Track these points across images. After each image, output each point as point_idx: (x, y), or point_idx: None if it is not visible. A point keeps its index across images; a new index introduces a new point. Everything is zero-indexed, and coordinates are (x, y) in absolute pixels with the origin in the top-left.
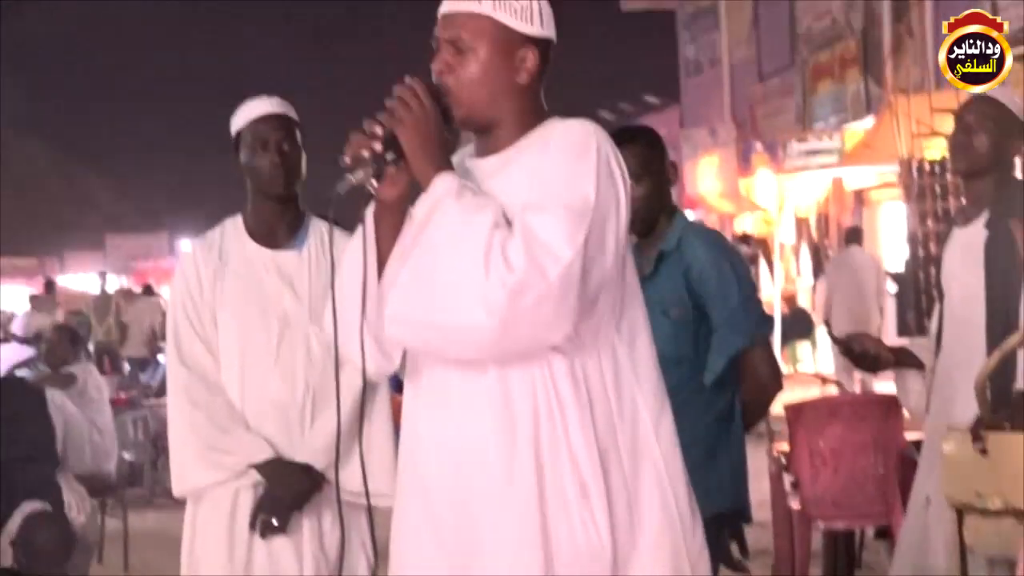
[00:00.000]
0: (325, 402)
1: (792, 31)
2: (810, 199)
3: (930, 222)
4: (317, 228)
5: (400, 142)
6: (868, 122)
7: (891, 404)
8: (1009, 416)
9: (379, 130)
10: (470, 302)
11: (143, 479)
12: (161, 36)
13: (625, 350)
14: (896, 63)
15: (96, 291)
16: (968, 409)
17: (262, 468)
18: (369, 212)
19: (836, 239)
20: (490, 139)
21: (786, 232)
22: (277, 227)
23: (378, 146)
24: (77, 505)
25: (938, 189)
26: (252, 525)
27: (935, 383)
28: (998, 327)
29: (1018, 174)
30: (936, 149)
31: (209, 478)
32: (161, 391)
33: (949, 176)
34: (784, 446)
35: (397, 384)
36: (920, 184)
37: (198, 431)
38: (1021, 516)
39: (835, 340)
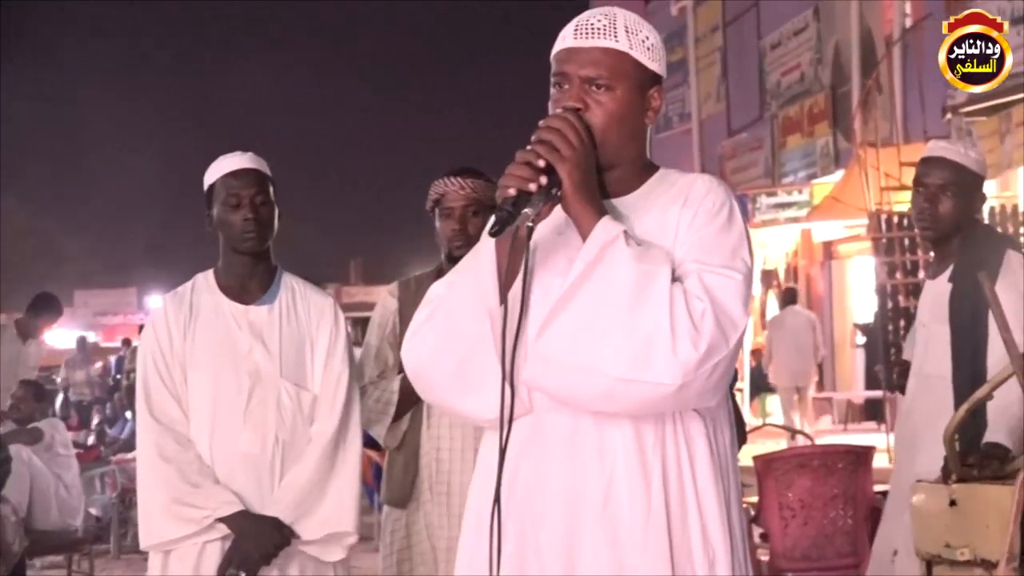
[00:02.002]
0: (295, 456)
1: (761, 86)
2: (779, 252)
3: (899, 274)
4: (288, 283)
5: (560, 177)
6: (837, 175)
7: (860, 455)
8: (978, 466)
9: (541, 163)
10: (656, 359)
11: (109, 535)
12: (132, 91)
13: (725, 416)
14: (865, 117)
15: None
16: (933, 460)
17: (230, 522)
18: (487, 241)
19: (805, 292)
20: (605, 181)
21: (755, 286)
22: (249, 282)
23: (544, 180)
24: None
25: (907, 242)
26: None
27: (899, 434)
28: (964, 379)
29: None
30: (904, 202)
31: (177, 532)
32: (129, 446)
33: (917, 229)
34: (753, 498)
35: (368, 440)
36: (889, 237)
37: (167, 485)
38: (990, 567)
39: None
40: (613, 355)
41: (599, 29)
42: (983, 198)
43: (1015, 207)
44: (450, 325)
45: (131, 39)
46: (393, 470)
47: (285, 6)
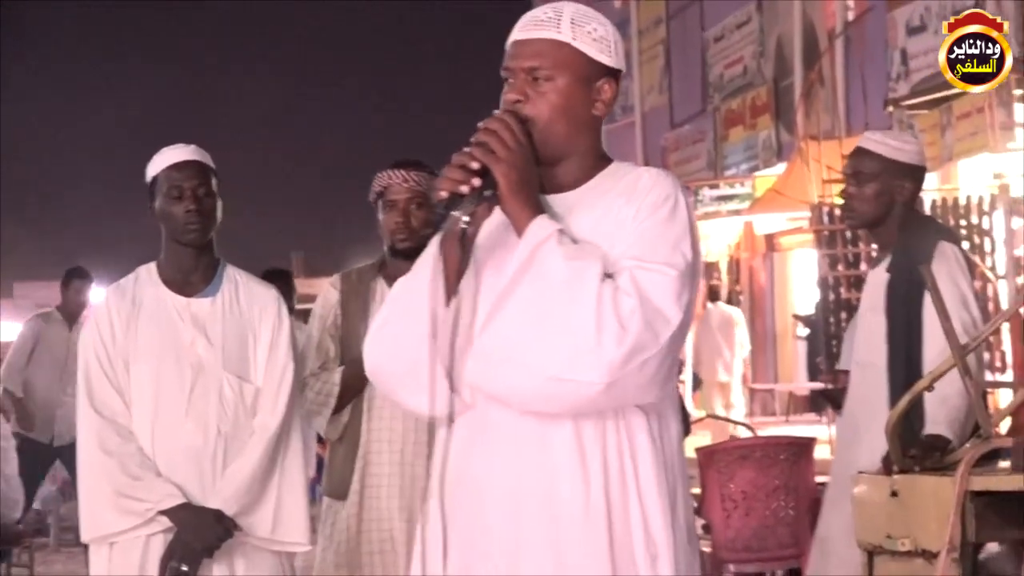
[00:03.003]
0: (237, 449)
1: (704, 78)
2: (722, 244)
3: (840, 267)
4: (231, 275)
5: (495, 178)
6: (779, 168)
7: (802, 447)
8: (919, 458)
9: (475, 165)
10: (581, 358)
11: (49, 528)
12: (73, 82)
13: (671, 411)
14: (807, 110)
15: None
16: (873, 450)
17: (172, 514)
18: (434, 242)
19: (747, 284)
20: (554, 174)
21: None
22: (191, 274)
23: (476, 182)
24: None
25: (848, 234)
26: (162, 572)
27: (839, 422)
28: (899, 369)
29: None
30: None
31: (119, 524)
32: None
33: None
34: (695, 490)
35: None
36: (831, 229)
37: (109, 478)
38: (931, 557)
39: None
40: (543, 354)
41: (543, 21)
42: (913, 188)
43: (956, 199)
44: (403, 326)
45: (69, 32)
46: (334, 462)
47: (226, 3)
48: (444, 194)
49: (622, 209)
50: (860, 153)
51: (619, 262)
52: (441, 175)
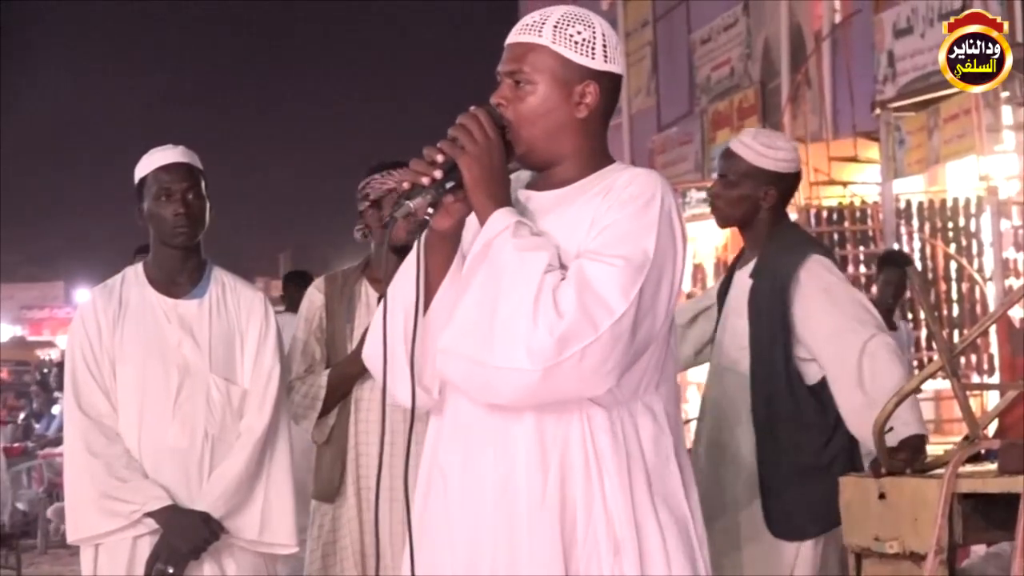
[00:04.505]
0: (224, 451)
1: (691, 80)
2: (708, 247)
3: None
4: (219, 277)
5: (461, 172)
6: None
7: None
8: (909, 460)
9: (440, 158)
10: (516, 346)
11: (36, 530)
12: (56, 85)
13: (663, 410)
14: (794, 112)
15: None
16: (739, 455)
17: (158, 516)
18: (421, 240)
19: None
20: (549, 174)
21: (685, 280)
22: (179, 276)
23: (438, 174)
24: None
25: (836, 236)
26: (148, 574)
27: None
28: (762, 375)
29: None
30: (833, 197)
31: (105, 526)
32: (56, 441)
33: (847, 223)
34: None
35: None
36: (818, 231)
37: (95, 479)
38: (919, 559)
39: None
40: (486, 344)
41: (528, 26)
42: (778, 195)
43: (943, 202)
44: (390, 322)
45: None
46: (321, 465)
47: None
48: (406, 185)
49: (599, 206)
50: (728, 154)
51: (578, 254)
52: (408, 168)
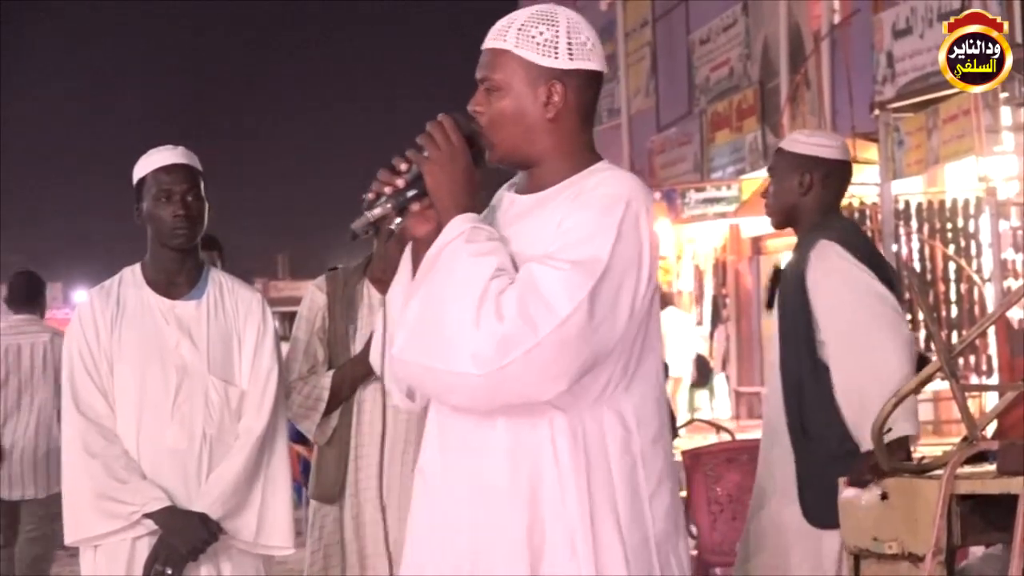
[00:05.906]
0: (222, 452)
1: (690, 81)
2: (708, 247)
3: None
4: (216, 278)
5: (425, 180)
6: (765, 171)
7: None
8: (907, 462)
9: (404, 167)
10: (461, 351)
11: None
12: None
13: (633, 413)
14: (793, 112)
15: None
16: (784, 449)
17: (157, 517)
18: (409, 246)
19: (733, 287)
20: (533, 176)
21: (685, 281)
22: (177, 277)
23: (400, 183)
24: None
25: None
26: (146, 575)
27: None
28: (790, 365)
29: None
30: None
31: (103, 527)
32: None
33: None
34: (681, 493)
35: (296, 435)
36: None
37: (94, 480)
38: (917, 560)
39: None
40: (435, 349)
41: (497, 30)
42: (817, 180)
43: (942, 203)
44: (389, 327)
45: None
46: (323, 466)
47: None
48: (371, 195)
49: (567, 209)
50: (776, 154)
51: (535, 259)
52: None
